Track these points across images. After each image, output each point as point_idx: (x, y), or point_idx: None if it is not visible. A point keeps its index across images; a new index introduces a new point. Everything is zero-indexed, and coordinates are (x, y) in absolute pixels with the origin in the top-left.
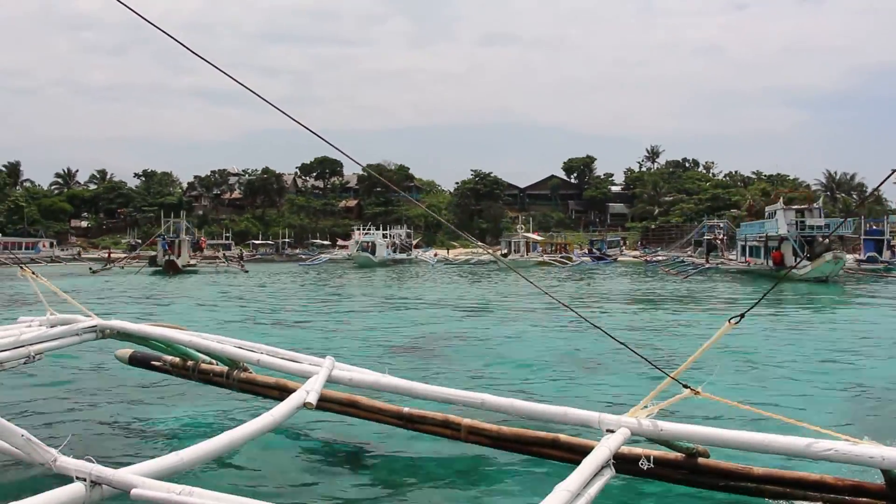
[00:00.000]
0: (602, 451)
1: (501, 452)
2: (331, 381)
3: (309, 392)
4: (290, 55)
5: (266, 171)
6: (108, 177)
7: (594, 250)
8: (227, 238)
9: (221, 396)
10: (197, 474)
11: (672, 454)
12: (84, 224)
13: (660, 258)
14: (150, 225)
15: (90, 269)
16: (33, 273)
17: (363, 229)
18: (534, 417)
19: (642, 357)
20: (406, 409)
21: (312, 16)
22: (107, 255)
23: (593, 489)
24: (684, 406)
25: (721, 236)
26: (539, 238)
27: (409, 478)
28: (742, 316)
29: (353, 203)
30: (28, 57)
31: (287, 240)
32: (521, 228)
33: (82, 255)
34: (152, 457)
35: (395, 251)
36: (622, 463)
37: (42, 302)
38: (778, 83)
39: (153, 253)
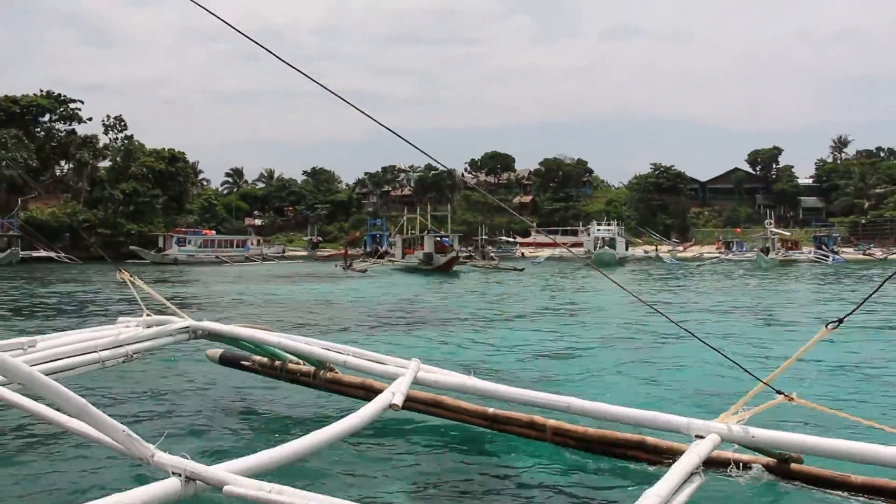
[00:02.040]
0: (691, 456)
1: (586, 454)
2: (416, 383)
3: (395, 393)
4: (414, 56)
5: (428, 167)
6: (277, 176)
7: (822, 247)
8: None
9: (308, 396)
10: (285, 472)
11: (763, 459)
12: (257, 222)
13: None
14: (322, 223)
15: (340, 266)
16: (131, 275)
17: (597, 224)
18: (621, 421)
19: (733, 361)
20: (491, 410)
21: (435, 15)
22: (343, 252)
23: (682, 496)
24: (776, 412)
25: None
26: (787, 234)
27: (493, 479)
28: (840, 321)
29: (527, 199)
30: (170, 67)
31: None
32: (770, 224)
33: (286, 253)
34: (243, 455)
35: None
36: (711, 468)
37: (138, 303)
38: None
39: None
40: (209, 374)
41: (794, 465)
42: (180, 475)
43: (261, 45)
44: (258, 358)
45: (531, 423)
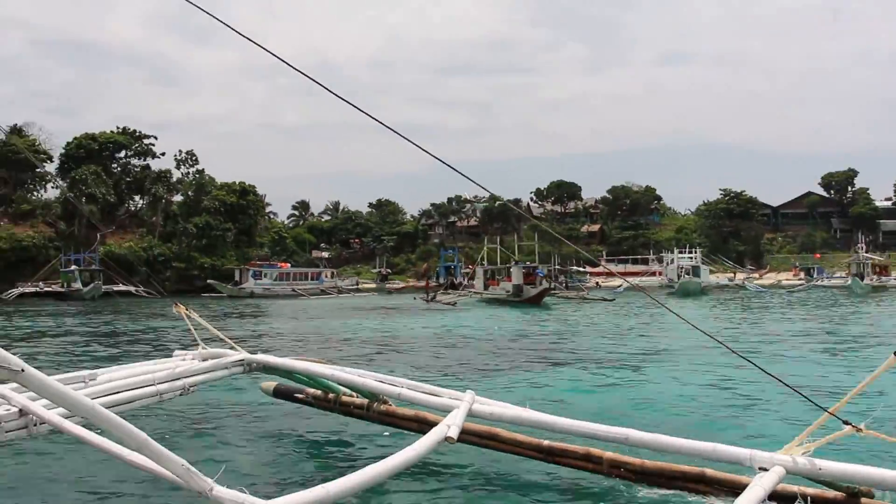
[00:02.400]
0: (756, 490)
1: (644, 487)
2: (471, 415)
3: (450, 426)
4: (469, 87)
5: (494, 197)
6: (342, 208)
7: None
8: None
9: (362, 429)
10: None
11: (831, 493)
12: (325, 255)
13: None
14: (389, 254)
15: (422, 299)
16: (187, 310)
17: (675, 252)
18: (681, 453)
19: (797, 391)
20: (546, 442)
21: (489, 46)
22: (425, 284)
23: None
24: (844, 444)
25: None
26: (879, 259)
27: None
28: None
29: (595, 227)
30: (232, 103)
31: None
32: (861, 248)
33: (360, 285)
34: (299, 488)
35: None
36: (776, 501)
37: (195, 337)
38: None
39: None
40: (264, 407)
41: (864, 500)
42: None
43: (315, 81)
44: (312, 390)
45: (587, 456)
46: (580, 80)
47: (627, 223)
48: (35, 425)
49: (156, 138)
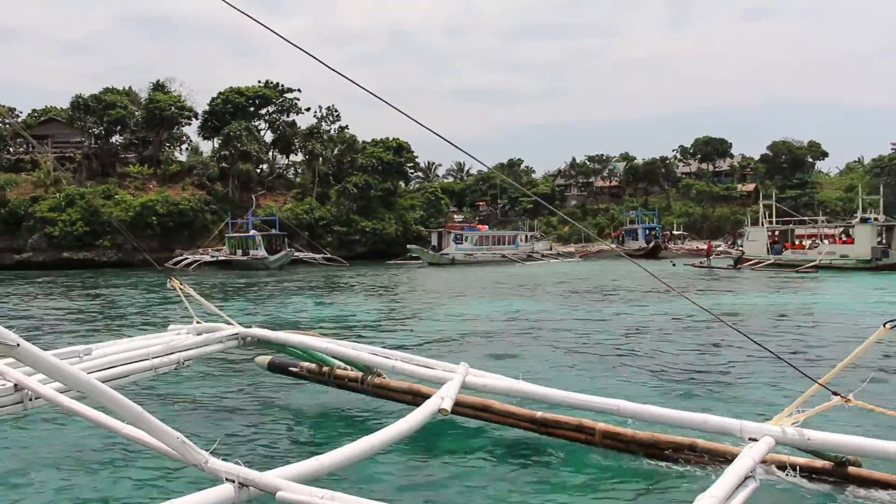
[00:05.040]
0: (745, 460)
1: (636, 457)
2: (465, 388)
3: (444, 398)
4: (543, 49)
5: (626, 157)
6: (466, 169)
7: None
8: (673, 230)
9: (356, 401)
10: (336, 477)
11: (819, 462)
12: (458, 218)
13: None
14: (527, 217)
15: (698, 266)
16: (180, 283)
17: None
18: (672, 424)
19: (787, 362)
20: (539, 414)
21: (564, 6)
22: (707, 249)
23: (737, 500)
24: (832, 414)
25: None
26: None
27: (542, 484)
28: None
29: (750, 187)
30: (305, 71)
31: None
32: None
33: (555, 250)
34: (294, 460)
35: None
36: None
37: (189, 310)
38: None
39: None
40: (259, 380)
41: (851, 468)
42: (234, 481)
43: (310, 54)
44: (306, 364)
45: (580, 427)
46: (660, 39)
47: (792, 181)
48: (30, 400)
49: (300, 91)
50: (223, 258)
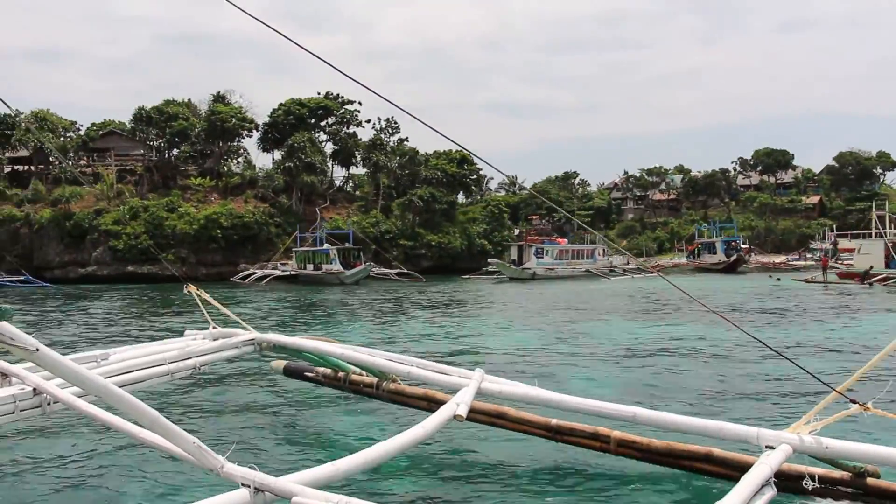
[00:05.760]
0: (762, 468)
1: (652, 466)
2: (480, 394)
3: (459, 404)
4: (577, 64)
5: (681, 170)
6: (519, 182)
7: None
8: (744, 243)
9: (372, 407)
10: (351, 483)
11: (837, 473)
12: (515, 231)
13: None
14: (579, 231)
15: (811, 280)
16: (197, 289)
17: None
18: (688, 432)
19: (805, 370)
20: (554, 421)
21: (598, 21)
22: (822, 262)
23: None
24: (851, 423)
25: None
26: None
27: (556, 491)
28: None
29: (814, 199)
30: (340, 88)
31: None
32: None
33: (633, 264)
34: (309, 466)
35: None
36: (782, 480)
37: (205, 316)
38: None
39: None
40: (274, 386)
41: (870, 479)
42: (249, 486)
43: (331, 65)
44: (321, 369)
45: (595, 435)
46: (693, 53)
47: (860, 194)
48: (49, 404)
49: (360, 103)
50: (293, 272)
